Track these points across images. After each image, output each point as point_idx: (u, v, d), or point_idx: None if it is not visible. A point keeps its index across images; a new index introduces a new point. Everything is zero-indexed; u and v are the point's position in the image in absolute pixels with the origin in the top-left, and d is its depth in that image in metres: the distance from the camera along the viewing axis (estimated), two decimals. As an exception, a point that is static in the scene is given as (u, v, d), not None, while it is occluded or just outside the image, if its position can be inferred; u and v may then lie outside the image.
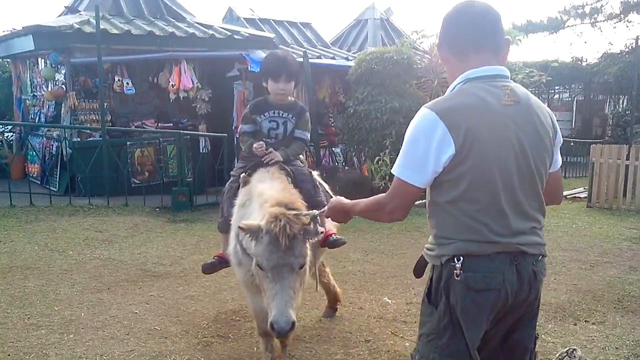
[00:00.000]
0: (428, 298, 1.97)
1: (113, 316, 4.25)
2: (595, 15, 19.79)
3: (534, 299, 1.96)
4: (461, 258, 1.84)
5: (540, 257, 1.96)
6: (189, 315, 4.33)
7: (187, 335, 3.96)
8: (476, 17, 1.94)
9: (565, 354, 3.33)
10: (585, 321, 4.28)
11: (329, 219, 2.50)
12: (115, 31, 9.38)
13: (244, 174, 3.37)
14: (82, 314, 4.27)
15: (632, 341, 3.92)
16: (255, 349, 3.71)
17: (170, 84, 9.52)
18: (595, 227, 7.88)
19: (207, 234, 6.91)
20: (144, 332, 3.98)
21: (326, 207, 2.39)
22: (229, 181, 3.60)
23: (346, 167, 9.86)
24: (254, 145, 3.44)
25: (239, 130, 3.64)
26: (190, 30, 10.13)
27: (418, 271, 2.11)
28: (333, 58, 11.29)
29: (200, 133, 9.94)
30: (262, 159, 3.41)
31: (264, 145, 3.44)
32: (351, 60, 10.85)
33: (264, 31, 11.65)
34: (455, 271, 1.85)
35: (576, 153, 15.33)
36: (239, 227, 2.62)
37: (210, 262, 3.68)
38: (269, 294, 2.52)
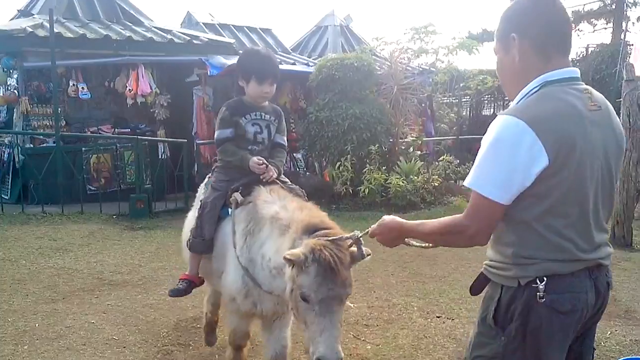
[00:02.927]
0: (495, 320, 1.77)
1: (69, 326, 4.12)
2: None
3: (603, 310, 1.84)
4: (544, 279, 1.67)
5: (609, 266, 1.84)
6: (148, 324, 4.25)
7: (146, 344, 3.88)
8: (562, 14, 1.78)
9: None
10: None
11: (374, 238, 2.13)
12: (69, 35, 9.16)
13: (236, 193, 2.96)
14: (37, 325, 4.13)
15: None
16: (217, 356, 3.67)
17: (128, 88, 9.34)
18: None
19: (166, 241, 6.80)
20: (101, 342, 3.88)
21: (374, 226, 2.08)
22: (210, 196, 3.09)
23: (307, 173, 9.88)
24: (255, 161, 3.00)
25: (216, 136, 3.16)
26: (148, 35, 9.98)
27: (476, 289, 1.90)
28: (294, 64, 11.31)
29: (159, 139, 9.78)
30: (262, 177, 3.00)
31: (265, 162, 3.04)
32: (312, 66, 10.90)
33: (224, 36, 11.59)
34: (538, 293, 1.66)
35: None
36: (285, 258, 2.25)
37: (176, 288, 3.30)
38: (315, 328, 2.23)
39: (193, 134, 9.98)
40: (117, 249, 6.41)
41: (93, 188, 9.10)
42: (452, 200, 9.63)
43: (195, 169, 9.27)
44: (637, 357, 3.48)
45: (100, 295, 4.86)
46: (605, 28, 19.49)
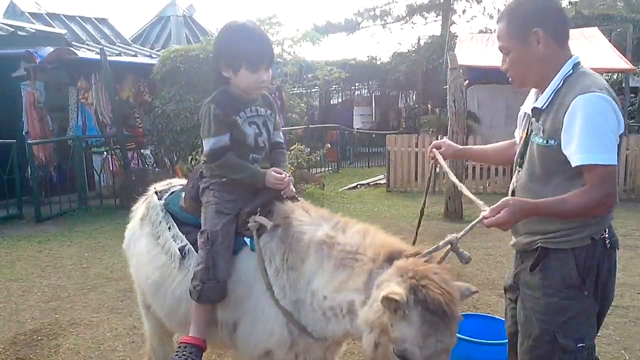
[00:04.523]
0: (571, 285, 1.97)
1: None
2: (385, 18, 21.86)
3: None
4: (606, 229, 2.00)
5: None
6: (-21, 343, 3.83)
7: (-23, 367, 3.50)
8: (561, 7, 2.12)
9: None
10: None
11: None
12: None
13: (258, 216, 2.26)
14: None
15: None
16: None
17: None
18: (393, 209, 8.72)
19: (-3, 253, 6.15)
20: None
21: (502, 215, 1.83)
22: (217, 222, 2.27)
23: (157, 169, 9.51)
24: (274, 175, 2.32)
25: (209, 147, 2.30)
26: (-38, 25, 8.86)
27: (534, 266, 2.04)
28: (135, 55, 10.77)
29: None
30: (282, 193, 2.37)
31: (285, 174, 2.40)
32: (155, 58, 10.47)
33: (54, 27, 10.66)
34: (607, 242, 1.98)
35: (377, 144, 16.78)
36: (387, 299, 1.66)
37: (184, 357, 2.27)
38: None
39: (24, 133, 9.08)
40: None
41: None
42: (305, 187, 9.91)
43: (29, 172, 8.44)
44: (482, 314, 3.76)
45: None
46: (435, 20, 21.22)
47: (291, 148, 10.76)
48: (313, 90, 18.66)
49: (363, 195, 10.31)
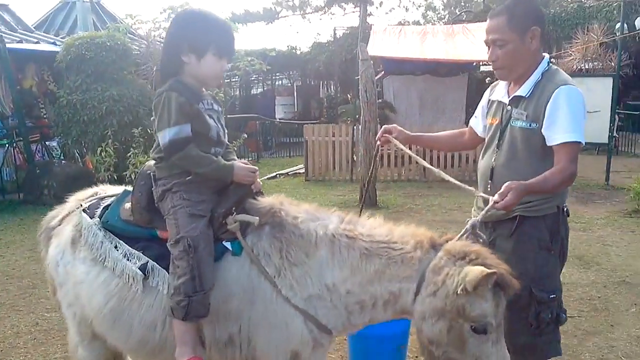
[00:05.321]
0: (543, 246, 2.31)
1: None
2: (304, 8, 21.94)
3: None
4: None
5: None
6: None
7: None
8: None
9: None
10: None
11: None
12: None
13: (241, 215, 2.11)
14: None
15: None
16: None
17: None
18: (310, 197, 8.84)
19: None
20: None
21: (509, 198, 2.00)
22: (195, 227, 2.04)
23: (63, 161, 9.09)
24: (242, 167, 2.17)
25: (170, 136, 2.05)
26: None
27: (511, 231, 2.33)
28: (37, 43, 10.19)
29: None
30: (253, 187, 2.23)
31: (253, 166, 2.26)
32: (60, 45, 9.96)
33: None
34: (566, 209, 2.40)
35: (299, 134, 16.84)
36: (482, 278, 1.74)
37: None
38: (474, 356, 1.85)
39: None
40: None
41: None
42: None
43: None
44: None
45: None
46: (354, 11, 21.55)
47: (207, 138, 10.64)
48: (233, 80, 18.45)
49: (282, 185, 10.35)
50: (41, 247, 2.58)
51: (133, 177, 8.35)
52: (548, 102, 2.25)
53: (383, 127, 2.70)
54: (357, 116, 12.99)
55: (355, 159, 10.13)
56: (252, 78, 19.87)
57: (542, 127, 2.26)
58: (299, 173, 11.58)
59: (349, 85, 18.13)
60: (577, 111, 2.24)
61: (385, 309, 1.99)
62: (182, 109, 2.06)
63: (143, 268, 2.13)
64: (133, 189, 2.28)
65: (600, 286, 4.69)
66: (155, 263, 2.14)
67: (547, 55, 2.43)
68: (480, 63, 13.88)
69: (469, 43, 11.57)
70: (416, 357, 3.45)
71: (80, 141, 9.11)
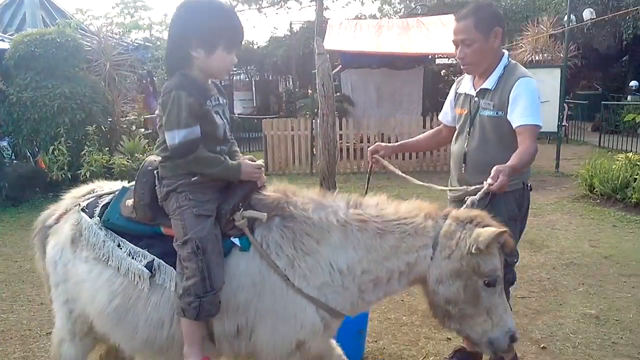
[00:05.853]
0: (512, 217, 2.63)
1: None
2: (260, 2, 21.78)
3: None
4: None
5: None
6: None
7: None
8: None
9: None
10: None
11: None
12: None
13: (249, 211, 2.10)
14: None
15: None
16: None
17: None
18: (270, 192, 8.84)
19: None
20: None
21: (503, 179, 2.26)
22: (203, 227, 2.02)
23: (15, 161, 8.82)
24: (249, 165, 2.16)
25: (180, 139, 2.00)
26: None
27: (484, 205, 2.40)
28: (-16, 40, 9.83)
29: None
30: (258, 183, 2.20)
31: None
32: (8, 42, 9.64)
33: None
34: (529, 185, 2.79)
35: (258, 129, 16.73)
36: (495, 237, 1.96)
37: None
38: (500, 308, 2.05)
39: None
40: None
41: None
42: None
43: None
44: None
45: None
46: (310, 6, 21.54)
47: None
48: (189, 75, 18.20)
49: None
50: (35, 247, 2.49)
51: (88, 175, 8.20)
52: (510, 92, 2.62)
53: (370, 148, 2.94)
54: (316, 110, 13.07)
55: (315, 152, 10.19)
56: (210, 73, 19.65)
57: (507, 113, 2.63)
58: (259, 168, 11.57)
59: (307, 80, 18.18)
60: (535, 99, 2.61)
61: (399, 281, 2.10)
62: (192, 110, 2.00)
63: (149, 266, 2.10)
64: (135, 185, 2.22)
65: (549, 268, 4.90)
66: (161, 260, 2.11)
67: (506, 52, 2.77)
68: (436, 56, 14.18)
69: (424, 37, 11.78)
70: (375, 341, 3.55)
71: (32, 140, 8.88)
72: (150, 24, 10.65)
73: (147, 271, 2.09)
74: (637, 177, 7.09)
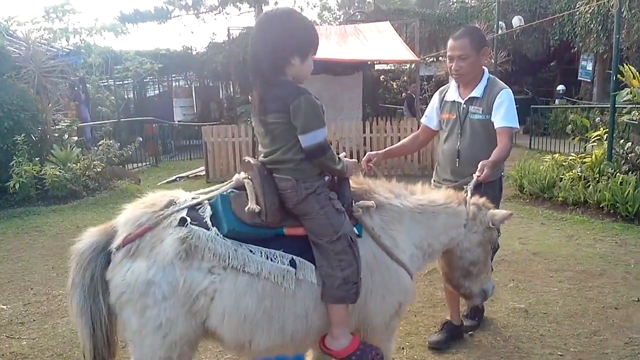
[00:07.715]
0: (497, 203, 3.23)
1: None
2: (198, 7, 21.53)
3: None
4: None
5: None
6: None
7: None
8: None
9: None
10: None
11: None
12: None
13: (361, 202, 2.41)
14: None
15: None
16: None
17: None
18: (211, 199, 8.74)
19: None
20: None
21: (487, 172, 2.89)
22: (346, 224, 2.24)
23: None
24: (353, 162, 2.44)
25: (321, 138, 2.19)
26: None
27: (477, 192, 2.88)
28: None
29: None
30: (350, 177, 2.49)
31: None
32: None
33: None
34: (503, 175, 3.54)
35: (199, 136, 16.49)
36: (506, 217, 2.77)
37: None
38: (488, 265, 2.83)
39: None
40: None
41: None
42: (119, 184, 9.47)
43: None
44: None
45: None
46: (249, 11, 21.50)
47: (99, 143, 10.19)
48: (126, 82, 17.73)
49: (183, 188, 10.14)
50: (81, 283, 2.18)
51: (18, 187, 7.85)
52: (495, 99, 3.26)
53: (364, 158, 3.26)
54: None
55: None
56: (147, 80, 19.21)
57: (492, 116, 3.26)
58: (200, 175, 11.41)
59: (248, 86, 18.06)
60: (513, 106, 3.25)
61: (441, 251, 2.69)
62: (321, 110, 2.19)
63: (292, 264, 2.21)
64: (259, 192, 2.22)
65: (482, 266, 5.09)
66: (300, 258, 2.23)
67: (486, 68, 3.44)
68: (375, 62, 14.45)
69: (360, 44, 11.97)
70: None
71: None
72: (80, 29, 10.26)
73: (292, 269, 2.20)
74: (563, 177, 7.48)
